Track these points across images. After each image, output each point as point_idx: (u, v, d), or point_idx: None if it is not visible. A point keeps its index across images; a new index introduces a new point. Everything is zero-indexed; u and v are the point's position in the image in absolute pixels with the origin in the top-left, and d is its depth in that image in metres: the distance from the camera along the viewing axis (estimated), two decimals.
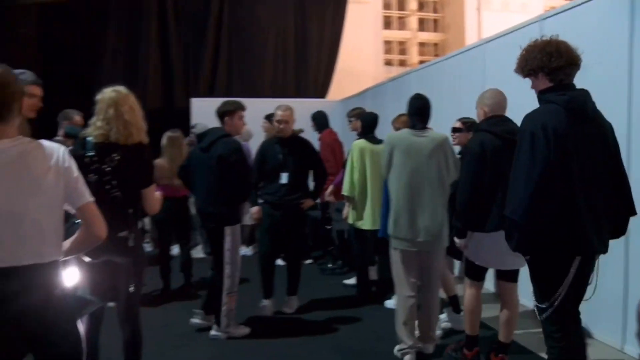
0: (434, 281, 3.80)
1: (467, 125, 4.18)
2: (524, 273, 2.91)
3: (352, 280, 5.62)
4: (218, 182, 4.03)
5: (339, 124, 8.36)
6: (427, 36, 15.09)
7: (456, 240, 3.45)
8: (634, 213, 2.61)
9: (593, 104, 2.52)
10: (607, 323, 3.83)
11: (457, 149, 4.08)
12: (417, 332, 3.79)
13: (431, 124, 3.78)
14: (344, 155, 6.13)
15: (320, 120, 6.43)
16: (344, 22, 13.02)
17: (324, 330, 4.42)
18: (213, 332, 4.18)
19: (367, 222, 4.97)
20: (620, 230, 2.63)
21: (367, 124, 5.10)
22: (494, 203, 3.15)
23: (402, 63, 14.90)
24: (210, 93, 11.78)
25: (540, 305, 2.55)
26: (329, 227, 6.37)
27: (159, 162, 5.01)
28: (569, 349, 2.54)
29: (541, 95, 2.56)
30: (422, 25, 15.05)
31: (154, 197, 3.05)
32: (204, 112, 9.16)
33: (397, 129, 4.67)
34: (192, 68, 12.08)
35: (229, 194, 4.04)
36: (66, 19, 10.88)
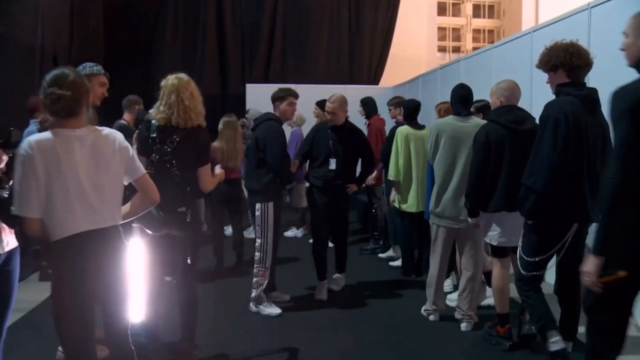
0: (477, 259, 4.01)
1: (477, 108, 4.40)
2: None
3: (397, 262, 5.76)
4: (254, 161, 4.34)
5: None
6: (482, 22, 14.74)
7: (469, 219, 3.71)
8: None
9: (599, 100, 2.98)
10: None
11: None
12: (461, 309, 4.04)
13: None
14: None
15: (369, 107, 6.47)
16: (398, 8, 12.94)
17: (369, 308, 4.58)
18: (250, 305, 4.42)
19: (411, 205, 5.13)
20: None
21: (409, 111, 5.22)
22: (496, 187, 3.47)
23: (456, 50, 14.65)
24: (265, 79, 12.05)
25: (528, 258, 3.09)
26: (373, 210, 6.49)
27: (215, 145, 5.21)
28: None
29: (560, 88, 3.01)
30: (477, 11, 14.72)
31: (209, 176, 3.28)
32: (258, 97, 9.45)
33: (441, 116, 4.75)
34: (248, 54, 12.36)
35: (260, 173, 4.30)
36: (129, 4, 11.40)
